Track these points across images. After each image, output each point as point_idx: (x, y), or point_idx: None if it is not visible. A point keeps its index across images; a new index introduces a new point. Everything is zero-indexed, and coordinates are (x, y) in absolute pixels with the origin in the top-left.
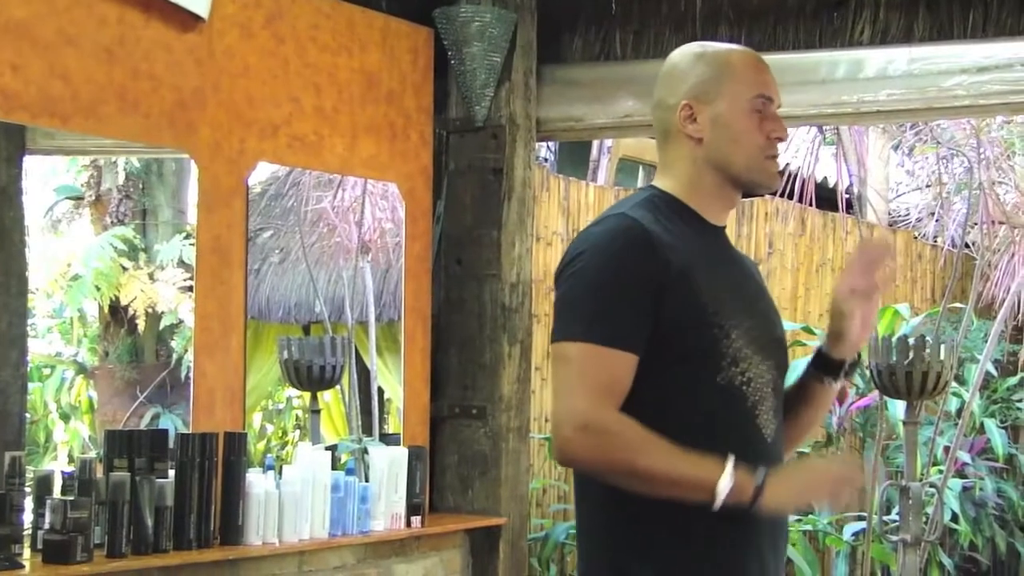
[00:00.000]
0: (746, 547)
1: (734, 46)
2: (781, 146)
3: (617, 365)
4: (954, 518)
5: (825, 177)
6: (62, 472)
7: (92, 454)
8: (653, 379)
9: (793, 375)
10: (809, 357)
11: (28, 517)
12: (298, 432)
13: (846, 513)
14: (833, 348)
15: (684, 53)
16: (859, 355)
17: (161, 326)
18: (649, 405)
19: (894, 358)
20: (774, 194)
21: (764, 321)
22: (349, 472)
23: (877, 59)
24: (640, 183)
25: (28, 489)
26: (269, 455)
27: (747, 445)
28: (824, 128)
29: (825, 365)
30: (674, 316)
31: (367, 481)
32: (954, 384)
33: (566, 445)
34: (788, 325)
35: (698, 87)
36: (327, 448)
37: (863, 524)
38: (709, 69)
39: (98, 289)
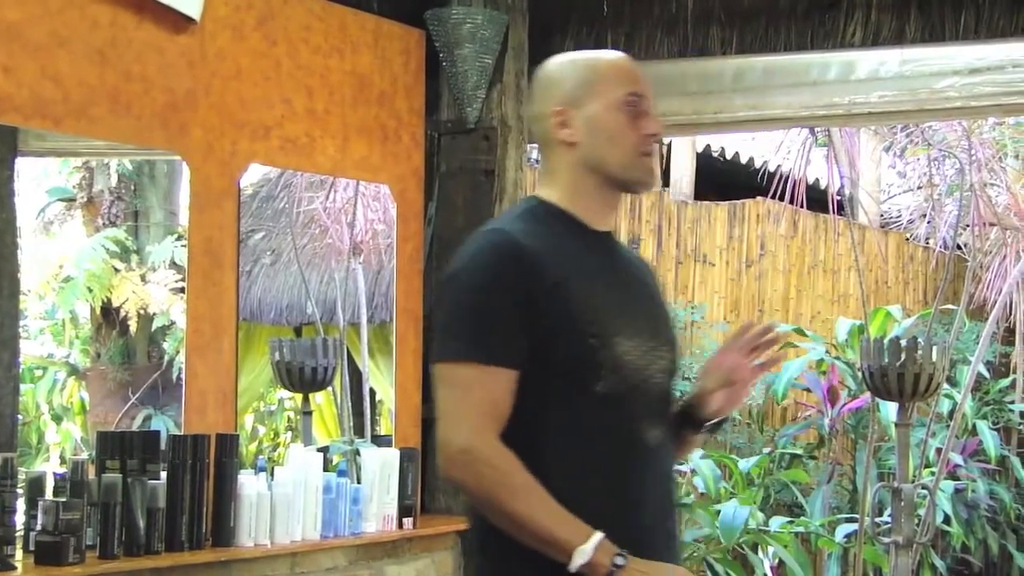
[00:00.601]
0: None
1: (602, 52)
2: (770, 145)
3: (497, 383)
4: (946, 520)
5: (817, 179)
6: (54, 473)
7: (84, 455)
8: (533, 391)
9: (785, 376)
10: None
11: (20, 518)
12: (290, 434)
13: None
14: (703, 407)
15: (554, 62)
16: (727, 418)
17: (153, 327)
18: (531, 416)
19: (886, 360)
20: (766, 195)
21: (649, 325)
22: (341, 474)
23: (869, 61)
24: None
25: (20, 490)
26: (261, 457)
27: (628, 451)
28: (815, 129)
29: (692, 419)
30: (550, 329)
31: (359, 483)
32: (946, 386)
33: (448, 466)
34: (779, 327)
35: (568, 93)
36: (319, 450)
37: (855, 526)
38: (578, 74)
39: (90, 291)
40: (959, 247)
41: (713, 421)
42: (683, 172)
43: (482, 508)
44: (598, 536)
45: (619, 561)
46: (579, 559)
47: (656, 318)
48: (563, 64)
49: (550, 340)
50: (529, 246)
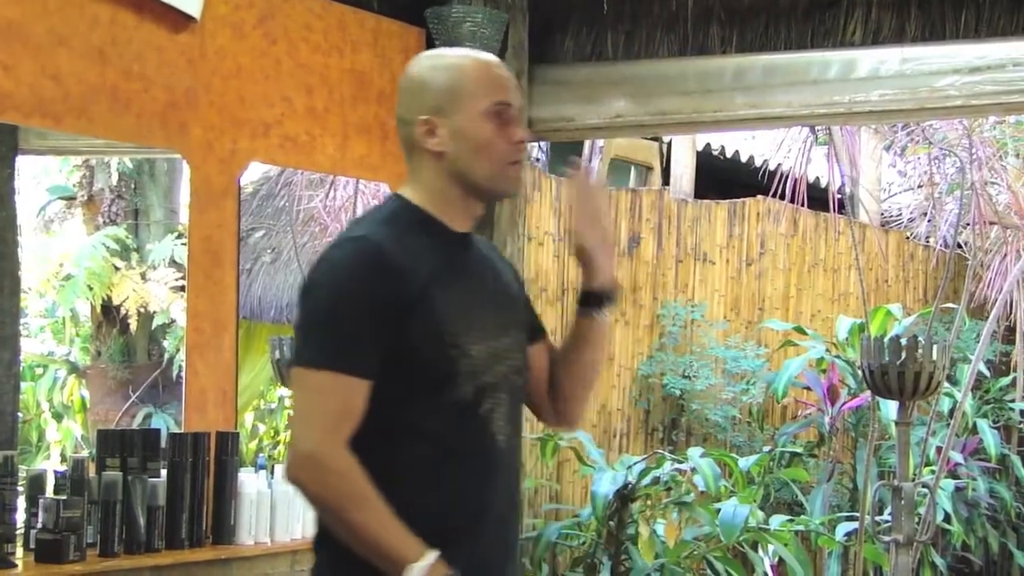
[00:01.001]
0: None
1: (469, 54)
2: (771, 144)
3: (351, 392)
4: (947, 518)
5: (817, 177)
6: (55, 471)
7: (84, 453)
8: (388, 399)
9: (785, 375)
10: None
11: (21, 516)
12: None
13: None
14: (591, 280)
15: (419, 66)
16: (616, 284)
17: (153, 326)
18: (384, 425)
19: (886, 358)
20: (766, 193)
21: (501, 325)
22: None
23: (869, 59)
24: (632, 183)
25: (21, 488)
26: (261, 455)
27: (478, 453)
28: (816, 128)
29: (588, 299)
30: (412, 340)
31: None
32: (946, 384)
33: (295, 469)
34: (779, 325)
35: (435, 101)
36: None
37: (855, 524)
38: (445, 81)
39: (90, 289)
40: (960, 246)
41: (606, 288)
42: (683, 170)
43: (322, 514)
44: (432, 555)
45: None
46: (412, 573)
47: (508, 317)
48: (430, 68)
49: (413, 350)
50: (394, 256)
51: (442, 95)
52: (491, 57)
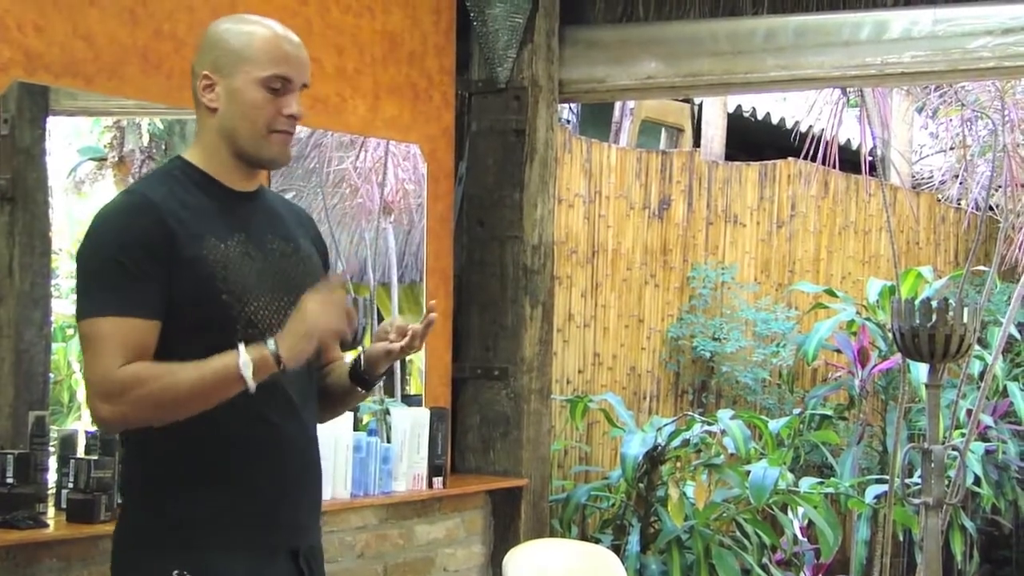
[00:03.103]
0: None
1: (269, 24)
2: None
3: (135, 331)
4: (976, 481)
5: (848, 139)
6: (86, 432)
7: None
8: (169, 346)
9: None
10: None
11: (52, 477)
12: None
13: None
14: (371, 366)
15: (219, 26)
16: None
17: None
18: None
19: (917, 321)
20: (797, 156)
21: (286, 283)
22: (371, 433)
23: (901, 20)
24: (662, 145)
25: (52, 449)
26: None
27: (273, 407)
28: (847, 90)
29: (358, 376)
30: (183, 287)
31: (389, 442)
32: (977, 347)
33: (101, 415)
34: (809, 287)
35: (218, 60)
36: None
37: (885, 487)
38: (232, 44)
39: None
40: (991, 208)
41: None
42: (714, 132)
43: (151, 420)
44: (240, 347)
45: (271, 346)
46: (244, 362)
47: (296, 275)
48: (227, 29)
49: (182, 298)
50: (163, 205)
51: (227, 55)
52: (289, 33)
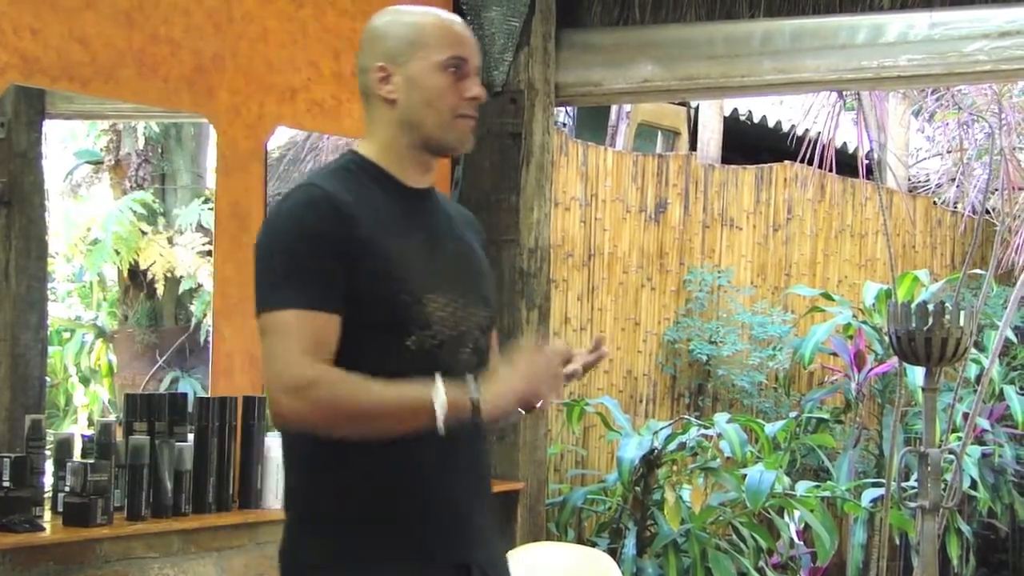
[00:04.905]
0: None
1: (433, 10)
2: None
3: (320, 326)
4: (973, 485)
5: (845, 143)
6: (82, 435)
7: (112, 418)
8: (347, 342)
9: (812, 340)
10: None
11: (48, 480)
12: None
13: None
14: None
15: (383, 17)
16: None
17: (180, 290)
18: (345, 368)
19: (913, 324)
20: (794, 159)
21: (462, 283)
22: None
23: (897, 24)
24: (659, 148)
25: (48, 452)
26: None
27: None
28: (844, 93)
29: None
30: (361, 282)
31: None
32: (973, 350)
33: (280, 409)
34: (805, 291)
35: (392, 49)
36: None
37: (881, 490)
38: (403, 32)
39: (117, 253)
40: (987, 211)
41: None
42: (710, 135)
43: (329, 428)
44: (439, 382)
45: (472, 385)
46: (439, 400)
47: (471, 276)
48: (391, 19)
49: (360, 294)
50: (342, 201)
51: (400, 44)
52: (454, 16)
